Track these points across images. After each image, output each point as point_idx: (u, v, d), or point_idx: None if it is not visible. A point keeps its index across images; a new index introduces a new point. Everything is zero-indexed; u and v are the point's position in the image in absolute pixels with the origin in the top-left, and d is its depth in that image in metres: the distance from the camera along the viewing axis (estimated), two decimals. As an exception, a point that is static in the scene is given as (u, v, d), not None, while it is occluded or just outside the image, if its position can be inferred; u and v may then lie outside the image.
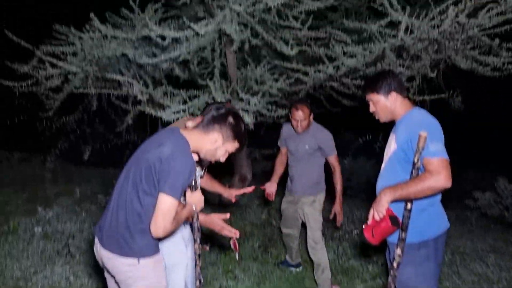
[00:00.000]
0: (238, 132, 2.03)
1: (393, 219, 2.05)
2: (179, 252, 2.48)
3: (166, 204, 1.81)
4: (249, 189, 2.85)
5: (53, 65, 4.24)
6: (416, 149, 2.02)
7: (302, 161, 3.53)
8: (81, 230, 4.46)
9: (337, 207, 3.51)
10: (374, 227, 2.08)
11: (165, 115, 3.84)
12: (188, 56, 4.10)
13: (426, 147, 2.00)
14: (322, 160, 3.55)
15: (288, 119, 3.56)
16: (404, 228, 2.11)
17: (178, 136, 1.94)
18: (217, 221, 2.36)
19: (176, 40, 3.91)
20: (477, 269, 4.05)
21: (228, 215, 2.38)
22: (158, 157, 1.84)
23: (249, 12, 3.75)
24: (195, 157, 1.98)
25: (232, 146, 2.05)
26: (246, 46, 4.15)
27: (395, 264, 2.16)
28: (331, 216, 3.56)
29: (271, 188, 3.51)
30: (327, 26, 4.61)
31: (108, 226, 1.97)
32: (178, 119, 3.67)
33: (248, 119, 3.74)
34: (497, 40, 3.54)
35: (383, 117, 2.36)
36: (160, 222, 1.82)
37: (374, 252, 4.10)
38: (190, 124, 2.18)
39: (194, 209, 2.11)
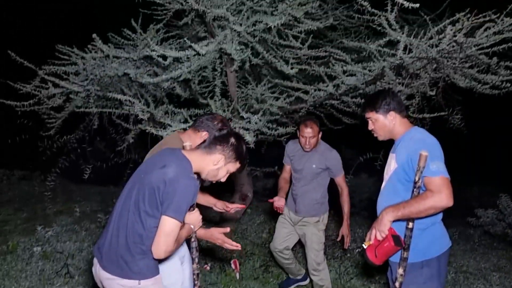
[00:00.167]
0: (240, 153, 2.03)
1: (396, 238, 2.03)
2: (176, 271, 2.45)
3: (169, 226, 1.81)
4: (241, 205, 3.04)
5: (56, 85, 4.27)
6: (417, 168, 2.02)
7: (307, 180, 3.44)
8: (81, 250, 4.42)
9: (344, 230, 3.41)
10: (377, 247, 2.06)
11: (166, 133, 3.85)
12: (189, 75, 4.14)
13: (427, 166, 2.00)
14: (327, 180, 3.47)
15: (292, 136, 3.52)
16: (406, 247, 2.09)
17: (181, 157, 1.95)
18: (217, 235, 2.33)
19: (177, 60, 3.96)
20: (481, 289, 3.99)
21: (228, 229, 2.36)
22: (162, 179, 1.84)
23: (250, 32, 3.81)
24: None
25: (234, 166, 2.05)
26: (247, 65, 4.21)
27: (397, 284, 2.14)
28: (339, 239, 3.48)
29: (279, 202, 3.34)
30: (326, 45, 4.68)
31: (108, 246, 1.95)
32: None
33: (249, 137, 3.74)
34: (495, 59, 3.57)
35: (381, 135, 2.37)
36: (162, 244, 1.81)
37: (377, 271, 4.04)
38: (187, 144, 2.19)
39: (192, 228, 2.10)
